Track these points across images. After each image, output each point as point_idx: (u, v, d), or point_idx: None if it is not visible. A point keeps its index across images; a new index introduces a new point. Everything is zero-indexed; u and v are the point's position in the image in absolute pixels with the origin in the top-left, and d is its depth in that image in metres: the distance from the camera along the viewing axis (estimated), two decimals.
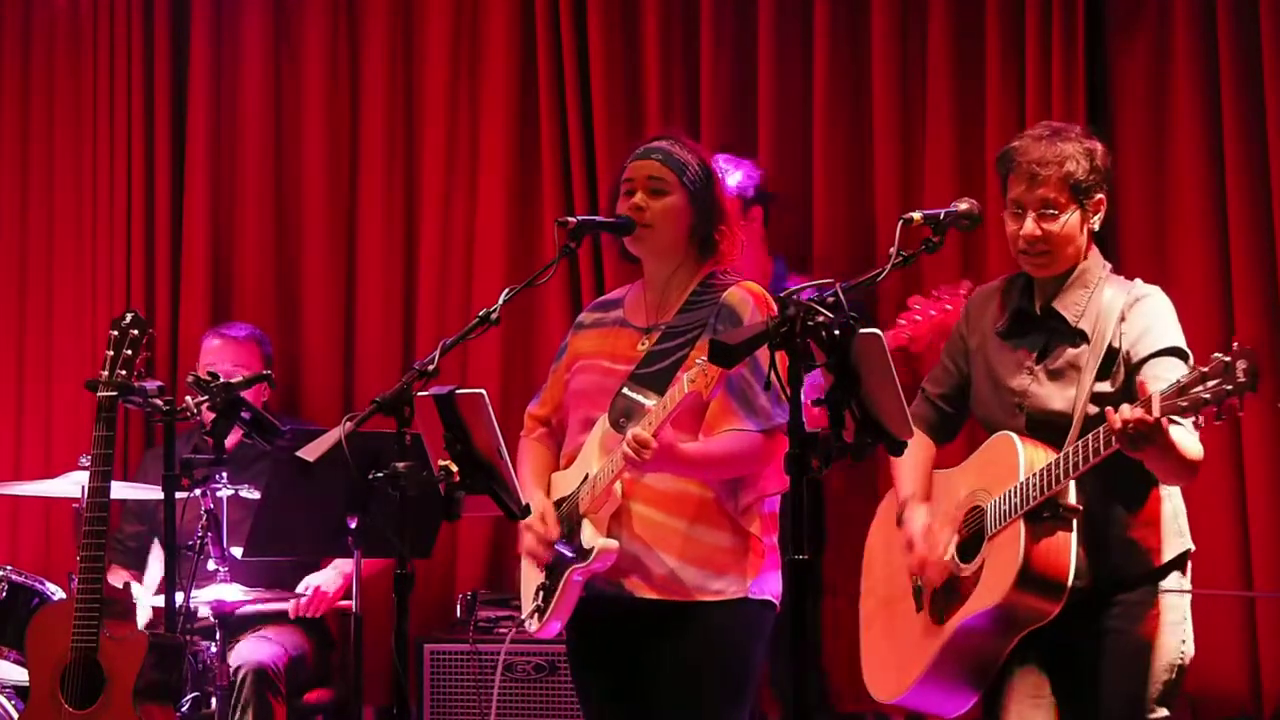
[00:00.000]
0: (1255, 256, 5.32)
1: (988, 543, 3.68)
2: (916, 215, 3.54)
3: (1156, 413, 3.34)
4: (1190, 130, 5.41)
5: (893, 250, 3.37)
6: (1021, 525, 3.59)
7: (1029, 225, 3.69)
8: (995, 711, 3.78)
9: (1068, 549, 3.59)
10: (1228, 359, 3.27)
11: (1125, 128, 5.49)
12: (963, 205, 3.58)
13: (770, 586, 3.83)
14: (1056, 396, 3.69)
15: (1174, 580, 3.73)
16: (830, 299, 3.01)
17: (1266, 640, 5.29)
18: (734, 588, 3.78)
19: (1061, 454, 3.57)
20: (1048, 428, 3.68)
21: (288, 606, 5.37)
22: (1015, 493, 3.62)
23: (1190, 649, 3.72)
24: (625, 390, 3.82)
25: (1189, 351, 3.66)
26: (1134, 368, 3.63)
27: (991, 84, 5.57)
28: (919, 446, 3.88)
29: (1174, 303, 3.78)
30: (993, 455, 3.74)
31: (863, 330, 2.99)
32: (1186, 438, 3.48)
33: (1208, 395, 3.28)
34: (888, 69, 5.70)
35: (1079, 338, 3.71)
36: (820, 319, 2.96)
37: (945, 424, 3.97)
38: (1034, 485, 3.58)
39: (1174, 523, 3.73)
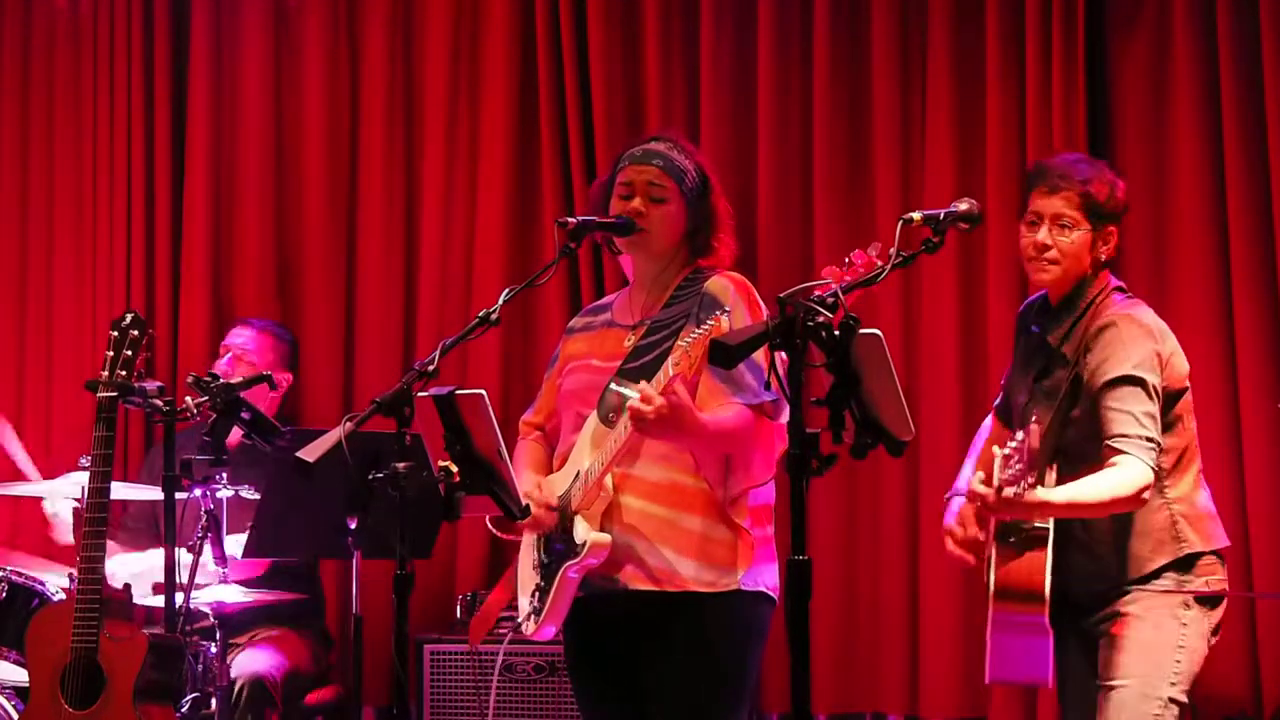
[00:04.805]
0: (1255, 256, 5.31)
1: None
2: (916, 215, 3.53)
3: (991, 499, 3.46)
4: (1190, 130, 5.40)
5: (893, 250, 3.37)
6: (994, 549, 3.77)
7: (1041, 234, 3.84)
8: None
9: (1042, 567, 3.70)
10: None
11: (1125, 127, 5.49)
12: (963, 205, 3.57)
13: (765, 579, 3.84)
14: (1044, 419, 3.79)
15: (1170, 581, 3.82)
16: (830, 299, 3.02)
17: (1266, 640, 5.29)
18: (726, 579, 3.78)
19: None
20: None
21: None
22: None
23: (1195, 645, 3.80)
24: (613, 385, 3.83)
25: (1145, 377, 3.74)
26: (1095, 395, 3.75)
27: (991, 84, 5.57)
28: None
29: (1173, 304, 3.83)
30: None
31: (863, 330, 2.99)
32: (1089, 486, 3.61)
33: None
34: (888, 69, 5.70)
35: (1064, 361, 3.83)
36: (820, 319, 2.97)
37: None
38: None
39: (1169, 531, 3.82)
